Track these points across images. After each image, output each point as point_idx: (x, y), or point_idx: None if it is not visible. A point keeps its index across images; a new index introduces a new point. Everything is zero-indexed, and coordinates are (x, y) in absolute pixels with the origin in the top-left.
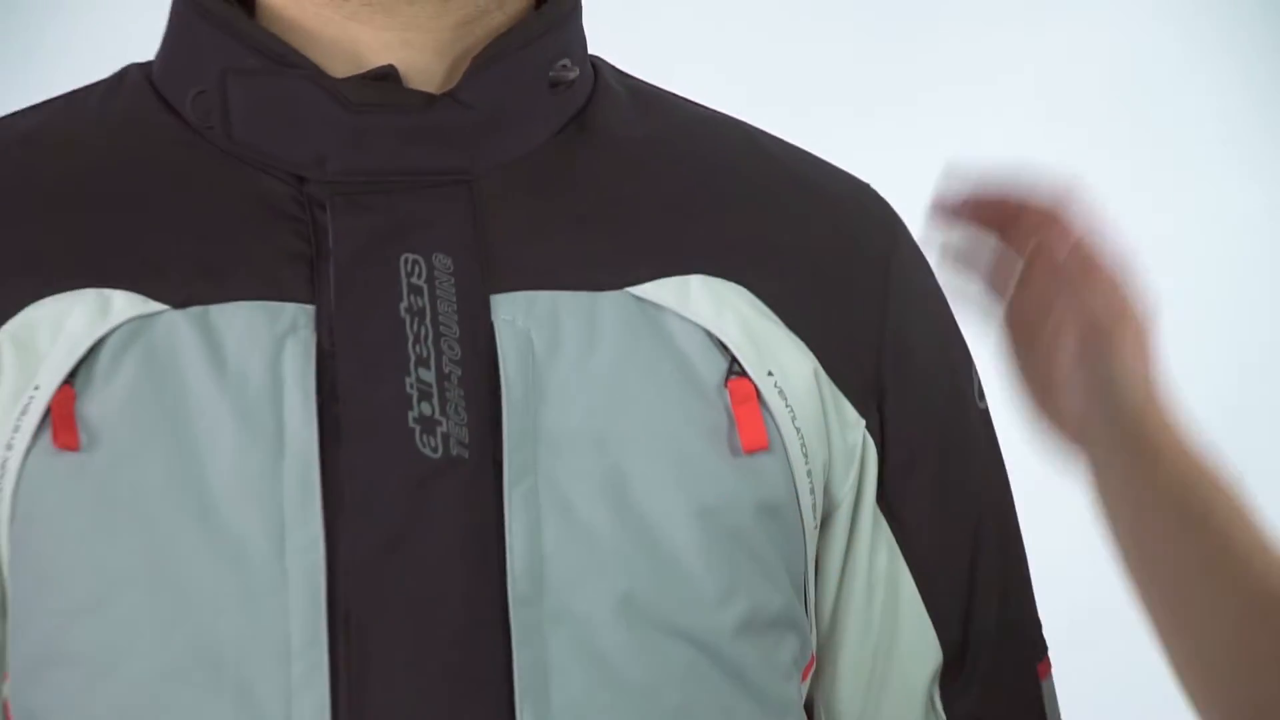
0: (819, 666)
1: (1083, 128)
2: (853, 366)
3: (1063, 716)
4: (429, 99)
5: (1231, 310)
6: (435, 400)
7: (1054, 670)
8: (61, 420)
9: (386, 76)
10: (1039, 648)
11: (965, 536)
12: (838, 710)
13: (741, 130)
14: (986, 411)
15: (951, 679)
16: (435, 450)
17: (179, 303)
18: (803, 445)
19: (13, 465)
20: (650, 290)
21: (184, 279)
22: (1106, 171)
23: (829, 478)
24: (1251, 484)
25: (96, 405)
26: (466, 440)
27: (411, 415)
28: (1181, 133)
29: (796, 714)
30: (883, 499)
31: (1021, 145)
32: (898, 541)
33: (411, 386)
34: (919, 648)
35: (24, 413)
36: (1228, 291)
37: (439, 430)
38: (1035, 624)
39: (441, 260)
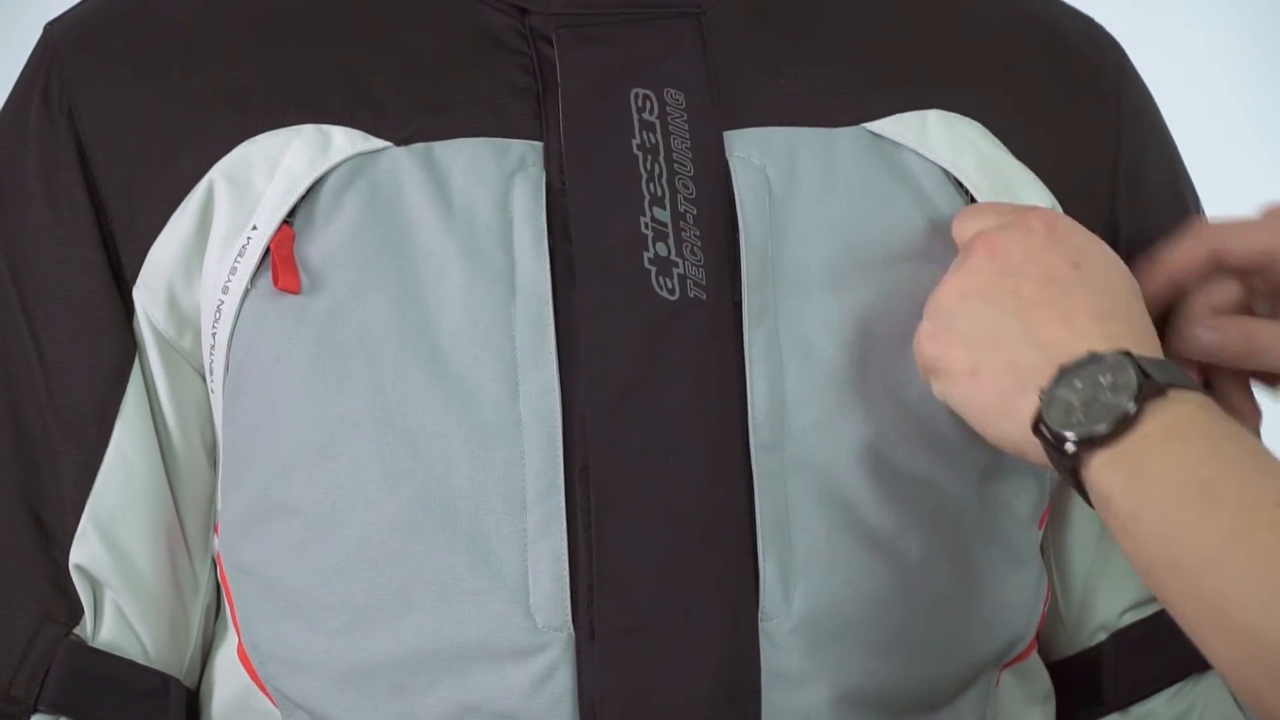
0: (1052, 515)
1: None
2: (1088, 204)
3: None
4: None
5: None
6: (671, 240)
7: None
8: (282, 261)
9: None
10: None
11: None
12: (1069, 559)
13: None
14: None
15: None
16: (672, 292)
17: (401, 139)
18: None
19: (229, 309)
20: (888, 126)
21: (405, 114)
22: None
23: None
24: None
25: (317, 245)
26: (703, 281)
27: (647, 256)
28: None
29: (1036, 563)
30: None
31: None
32: None
33: (646, 226)
34: None
35: (241, 254)
36: None
37: (675, 271)
38: None
39: (673, 95)
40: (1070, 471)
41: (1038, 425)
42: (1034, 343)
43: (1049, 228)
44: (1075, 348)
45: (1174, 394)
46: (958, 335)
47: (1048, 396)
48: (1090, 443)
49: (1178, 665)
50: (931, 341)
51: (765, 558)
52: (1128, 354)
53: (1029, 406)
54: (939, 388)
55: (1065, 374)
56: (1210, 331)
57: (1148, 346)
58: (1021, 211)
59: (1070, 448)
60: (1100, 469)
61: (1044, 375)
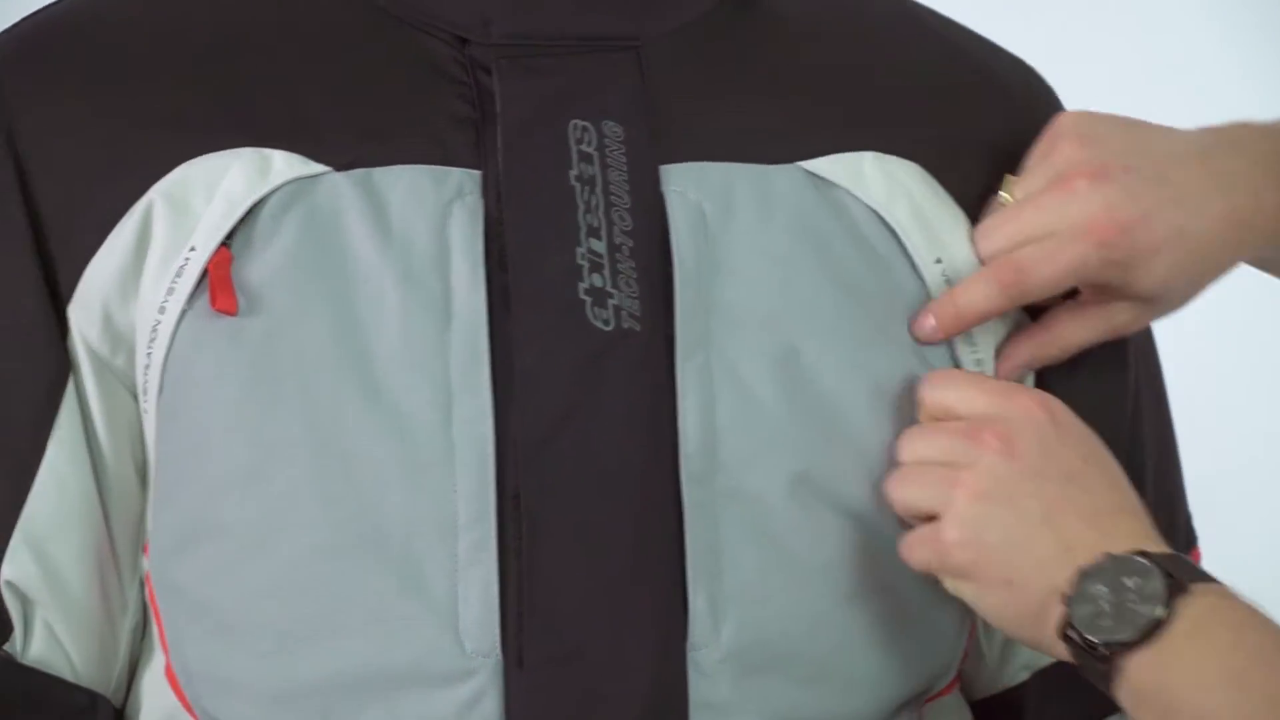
0: None
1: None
2: None
3: None
4: None
5: None
6: (606, 272)
7: None
8: (219, 282)
9: None
10: (1191, 537)
11: (1120, 421)
12: None
13: (901, 5)
14: None
15: None
16: (607, 323)
17: (341, 165)
18: (967, 334)
19: (165, 329)
20: (823, 166)
21: (345, 140)
22: None
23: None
24: None
25: (255, 268)
26: (638, 313)
27: (582, 286)
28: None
29: (958, 600)
30: (1041, 380)
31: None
32: None
33: (583, 257)
34: None
35: (179, 275)
36: None
37: (610, 303)
38: (1187, 512)
39: (611, 128)
40: (1102, 675)
41: (1066, 631)
42: (1063, 545)
43: (1051, 417)
44: (1098, 549)
45: (1195, 588)
46: (988, 544)
47: (1075, 600)
48: (1123, 647)
49: (1102, 704)
50: (962, 550)
51: (695, 588)
52: (1146, 554)
53: (1058, 612)
54: (965, 589)
55: (1088, 578)
56: (1024, 366)
57: (1155, 537)
58: (1010, 393)
59: (1103, 652)
60: (1133, 671)
61: (1071, 580)
